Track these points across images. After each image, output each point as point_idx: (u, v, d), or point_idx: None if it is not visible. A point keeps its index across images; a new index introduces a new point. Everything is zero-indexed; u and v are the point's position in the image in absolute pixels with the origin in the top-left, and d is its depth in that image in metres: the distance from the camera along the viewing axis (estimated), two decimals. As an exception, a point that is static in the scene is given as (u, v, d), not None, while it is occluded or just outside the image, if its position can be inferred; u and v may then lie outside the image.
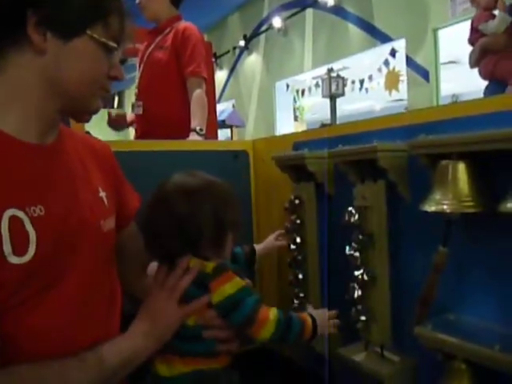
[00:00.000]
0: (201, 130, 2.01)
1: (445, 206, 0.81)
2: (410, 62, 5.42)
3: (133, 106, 2.24)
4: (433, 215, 0.88)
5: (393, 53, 5.71)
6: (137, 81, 2.23)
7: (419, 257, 0.95)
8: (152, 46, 2.19)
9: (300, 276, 1.22)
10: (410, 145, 0.88)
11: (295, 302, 1.23)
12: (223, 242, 0.90)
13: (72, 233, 0.76)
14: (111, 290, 0.89)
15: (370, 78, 6.11)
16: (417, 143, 0.86)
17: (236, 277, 0.87)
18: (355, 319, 1.03)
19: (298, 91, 7.39)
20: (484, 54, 2.29)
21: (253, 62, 8.20)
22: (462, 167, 0.81)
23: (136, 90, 2.23)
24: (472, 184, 0.80)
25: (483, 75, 2.42)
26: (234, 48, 8.47)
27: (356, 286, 1.02)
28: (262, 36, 7.87)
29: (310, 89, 7.12)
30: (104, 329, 0.83)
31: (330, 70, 6.24)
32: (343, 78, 4.99)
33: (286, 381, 1.34)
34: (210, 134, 2.84)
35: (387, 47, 5.77)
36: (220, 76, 8.81)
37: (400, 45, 5.56)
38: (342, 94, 4.89)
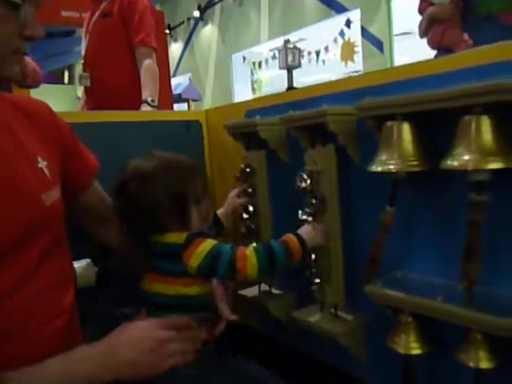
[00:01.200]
0: (152, 101, 1.95)
1: (391, 166, 0.82)
2: (364, 32, 5.46)
3: (80, 78, 2.13)
4: (381, 177, 0.90)
5: (348, 23, 5.72)
6: (83, 51, 2.13)
7: (370, 218, 0.96)
8: (96, 14, 2.08)
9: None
10: (357, 107, 0.88)
11: (252, 269, 1.24)
12: (187, 216, 0.91)
13: (7, 214, 0.71)
14: (61, 266, 0.86)
15: (326, 49, 6.12)
16: (362, 105, 0.87)
17: (207, 239, 0.90)
18: (310, 282, 1.05)
19: (254, 63, 7.31)
20: (432, 24, 2.31)
21: (208, 33, 8.00)
22: (406, 128, 0.82)
23: (82, 61, 2.12)
24: (416, 144, 0.82)
25: (431, 44, 2.46)
26: (189, 19, 8.22)
27: (309, 249, 1.04)
28: (217, 6, 7.67)
29: (266, 61, 7.06)
30: (58, 309, 0.80)
31: (287, 42, 6.19)
32: (299, 50, 4.96)
33: (244, 347, 1.36)
34: (165, 107, 2.76)
35: (342, 18, 5.78)
36: (175, 49, 8.56)
37: (355, 15, 5.58)
38: (299, 66, 4.87)
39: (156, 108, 1.96)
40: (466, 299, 0.79)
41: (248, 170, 1.22)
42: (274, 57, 6.64)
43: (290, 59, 4.85)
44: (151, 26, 2.04)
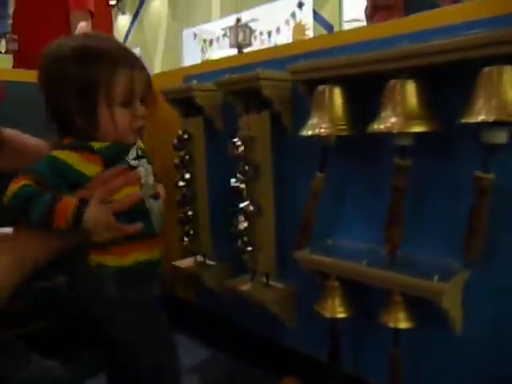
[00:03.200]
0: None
1: (322, 130, 0.82)
2: (316, 15, 5.46)
3: (7, 41, 1.97)
4: (314, 143, 0.90)
5: (300, 5, 5.70)
6: (11, 9, 1.96)
7: (302, 185, 0.96)
8: None
9: (190, 213, 1.19)
10: (290, 70, 0.86)
11: (185, 239, 1.21)
12: (90, 114, 0.70)
13: None
14: None
15: (278, 30, 6.08)
16: (295, 68, 0.85)
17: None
18: (241, 250, 1.04)
19: (205, 41, 7.14)
20: (375, 10, 2.34)
21: (158, 6, 7.70)
22: (337, 92, 0.82)
23: (11, 21, 1.96)
24: (346, 108, 0.82)
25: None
26: (137, -10, 7.87)
27: (242, 217, 1.02)
28: (168, -21, 7.39)
29: (218, 39, 6.91)
30: None
31: (239, 20, 6.09)
32: (250, 28, 4.91)
33: (178, 319, 1.33)
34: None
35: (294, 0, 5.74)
36: (123, 21, 8.18)
37: (307, -3, 5.56)
38: (250, 44, 4.82)
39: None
40: (389, 262, 0.80)
41: (185, 136, 1.18)
42: (225, 35, 6.52)
43: (241, 37, 4.79)
44: None
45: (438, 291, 0.71)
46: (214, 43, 7.00)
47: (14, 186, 0.67)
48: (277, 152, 1.01)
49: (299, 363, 1.09)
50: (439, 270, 0.74)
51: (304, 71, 0.84)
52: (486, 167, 0.67)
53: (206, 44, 7.16)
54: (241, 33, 4.82)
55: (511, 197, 0.72)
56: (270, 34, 6.18)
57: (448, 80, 0.73)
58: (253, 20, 6.36)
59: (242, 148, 1.00)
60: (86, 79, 0.69)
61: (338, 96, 0.82)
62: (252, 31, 5.47)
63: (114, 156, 0.73)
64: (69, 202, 0.67)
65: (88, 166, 0.71)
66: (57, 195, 0.67)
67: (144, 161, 0.77)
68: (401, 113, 0.71)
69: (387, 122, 0.72)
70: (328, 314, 0.88)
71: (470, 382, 0.81)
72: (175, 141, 1.19)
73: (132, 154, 0.75)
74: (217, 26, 6.83)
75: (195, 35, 7.23)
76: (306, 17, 5.60)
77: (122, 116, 0.72)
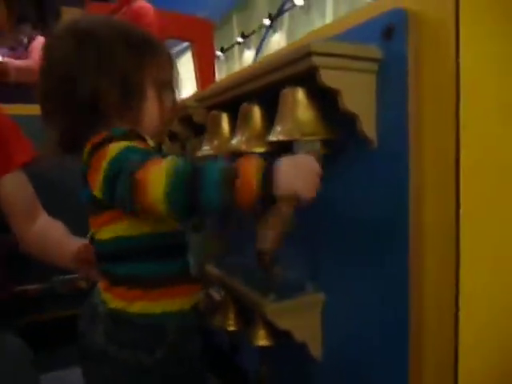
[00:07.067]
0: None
1: (211, 151, 0.88)
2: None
3: None
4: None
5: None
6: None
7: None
8: None
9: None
10: (195, 98, 0.95)
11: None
12: (133, 101, 0.63)
13: None
14: None
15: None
16: (198, 97, 0.94)
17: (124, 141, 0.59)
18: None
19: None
20: None
21: (277, 40, 8.15)
22: (223, 116, 0.88)
23: None
24: (231, 131, 0.88)
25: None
26: (260, 27, 8.43)
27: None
28: (286, 14, 7.79)
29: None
30: None
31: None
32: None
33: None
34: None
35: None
36: (248, 56, 8.84)
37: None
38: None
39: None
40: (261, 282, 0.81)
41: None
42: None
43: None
44: None
45: (268, 310, 0.70)
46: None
47: (109, 153, 0.56)
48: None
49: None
50: (290, 289, 0.74)
51: (201, 100, 0.92)
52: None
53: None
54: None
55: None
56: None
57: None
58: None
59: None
60: (134, 61, 0.63)
61: (224, 120, 0.88)
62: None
63: None
64: (158, 161, 0.53)
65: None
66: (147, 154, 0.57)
67: None
68: (247, 134, 0.75)
69: (239, 142, 0.77)
70: (224, 327, 0.90)
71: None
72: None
73: None
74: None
75: (310, 64, 7.46)
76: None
77: (168, 101, 0.68)
